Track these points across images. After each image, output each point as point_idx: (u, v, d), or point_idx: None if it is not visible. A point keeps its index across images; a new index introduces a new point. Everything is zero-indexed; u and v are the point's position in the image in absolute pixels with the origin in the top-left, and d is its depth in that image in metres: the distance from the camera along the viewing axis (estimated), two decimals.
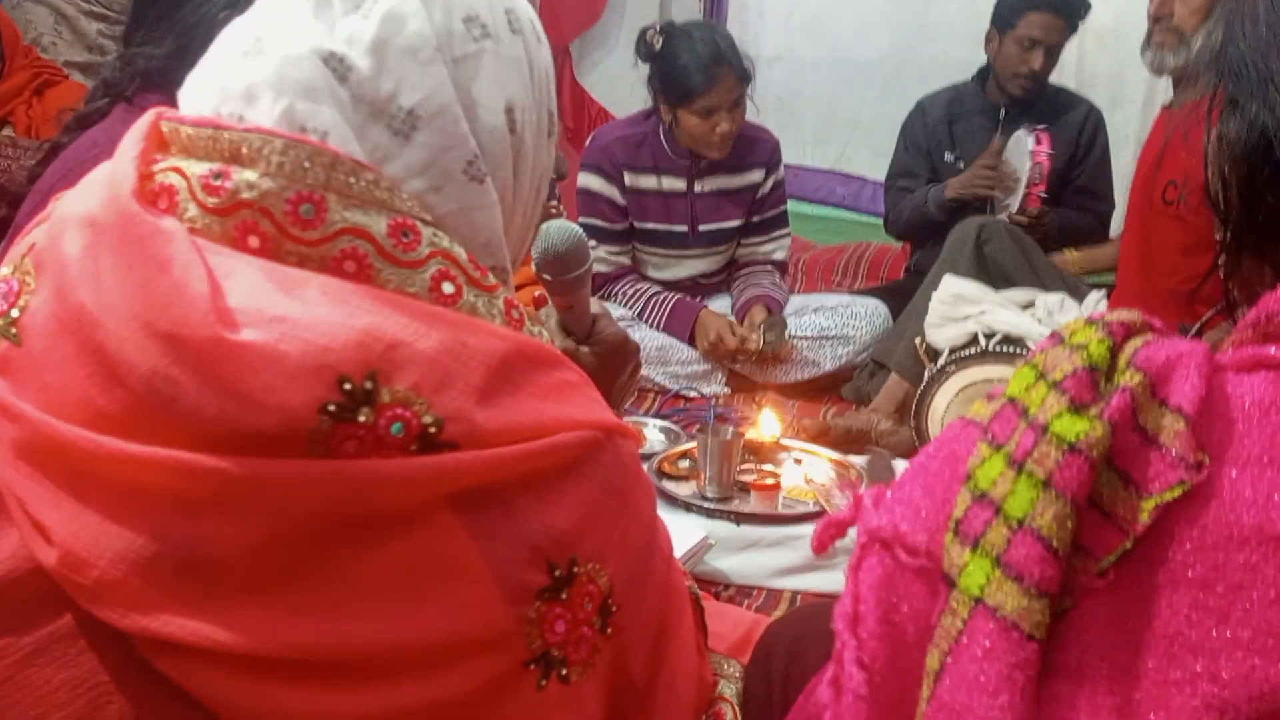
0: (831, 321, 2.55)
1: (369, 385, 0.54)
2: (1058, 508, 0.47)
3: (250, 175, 0.59)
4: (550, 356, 0.64)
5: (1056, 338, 0.52)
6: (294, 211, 0.59)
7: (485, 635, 0.57)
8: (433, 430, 0.55)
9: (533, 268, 1.01)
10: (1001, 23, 2.67)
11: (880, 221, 3.09)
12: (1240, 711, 0.43)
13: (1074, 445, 0.47)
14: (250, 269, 0.58)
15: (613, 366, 0.99)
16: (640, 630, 0.68)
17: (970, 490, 0.50)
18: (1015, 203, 2.57)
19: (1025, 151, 2.54)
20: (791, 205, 4.54)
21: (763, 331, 2.43)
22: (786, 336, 2.47)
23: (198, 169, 0.60)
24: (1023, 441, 0.49)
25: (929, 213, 2.72)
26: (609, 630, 0.63)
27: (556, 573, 0.59)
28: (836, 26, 4.54)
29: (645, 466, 1.86)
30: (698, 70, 2.34)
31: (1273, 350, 0.47)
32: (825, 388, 2.56)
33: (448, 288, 0.63)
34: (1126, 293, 2.15)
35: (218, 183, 0.59)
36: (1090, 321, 0.52)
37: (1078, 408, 0.48)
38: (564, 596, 0.59)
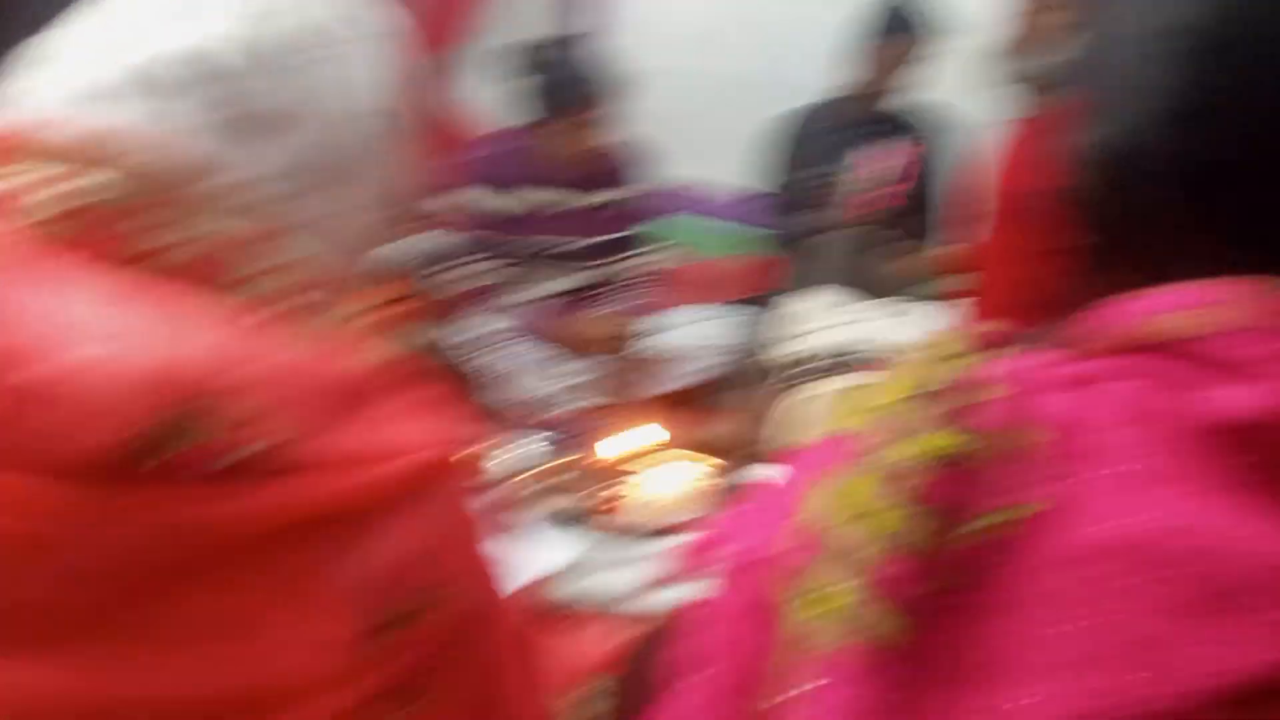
0: (705, 332, 2.59)
1: (201, 409, 0.50)
2: (929, 523, 0.47)
3: (98, 178, 0.55)
4: (402, 375, 0.62)
5: (922, 350, 0.53)
6: (139, 217, 0.55)
7: (327, 673, 0.53)
8: (269, 457, 0.52)
9: (405, 283, 0.97)
10: (863, 42, 2.77)
11: (758, 233, 3.13)
12: None
13: (938, 460, 0.47)
14: (85, 279, 0.53)
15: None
16: (489, 656, 0.65)
17: (835, 508, 0.50)
18: (878, 205, 2.66)
19: (891, 161, 2.64)
20: (674, 220, 4.60)
21: (631, 339, 2.45)
22: (655, 349, 2.49)
23: (40, 172, 0.56)
24: (888, 457, 0.49)
25: (805, 228, 2.78)
26: (457, 660, 0.61)
27: (402, 604, 0.56)
28: (715, 44, 4.60)
29: (520, 482, 1.83)
30: (577, 85, 2.34)
31: (1124, 361, 0.48)
32: (702, 397, 2.58)
33: (294, 302, 0.61)
34: (987, 300, 2.23)
35: (62, 186, 0.55)
36: (956, 334, 0.52)
37: (942, 423, 0.48)
38: (414, 625, 0.56)
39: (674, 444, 2.07)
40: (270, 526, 0.52)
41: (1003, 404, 0.47)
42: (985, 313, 1.96)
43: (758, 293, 3.17)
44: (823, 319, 2.08)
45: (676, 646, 0.55)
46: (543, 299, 2.60)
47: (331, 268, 0.66)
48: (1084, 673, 0.43)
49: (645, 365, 2.51)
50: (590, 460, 1.74)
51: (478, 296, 2.55)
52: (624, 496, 1.75)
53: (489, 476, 0.69)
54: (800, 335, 2.11)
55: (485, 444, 2.06)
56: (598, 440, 2.05)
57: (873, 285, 2.31)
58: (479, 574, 0.63)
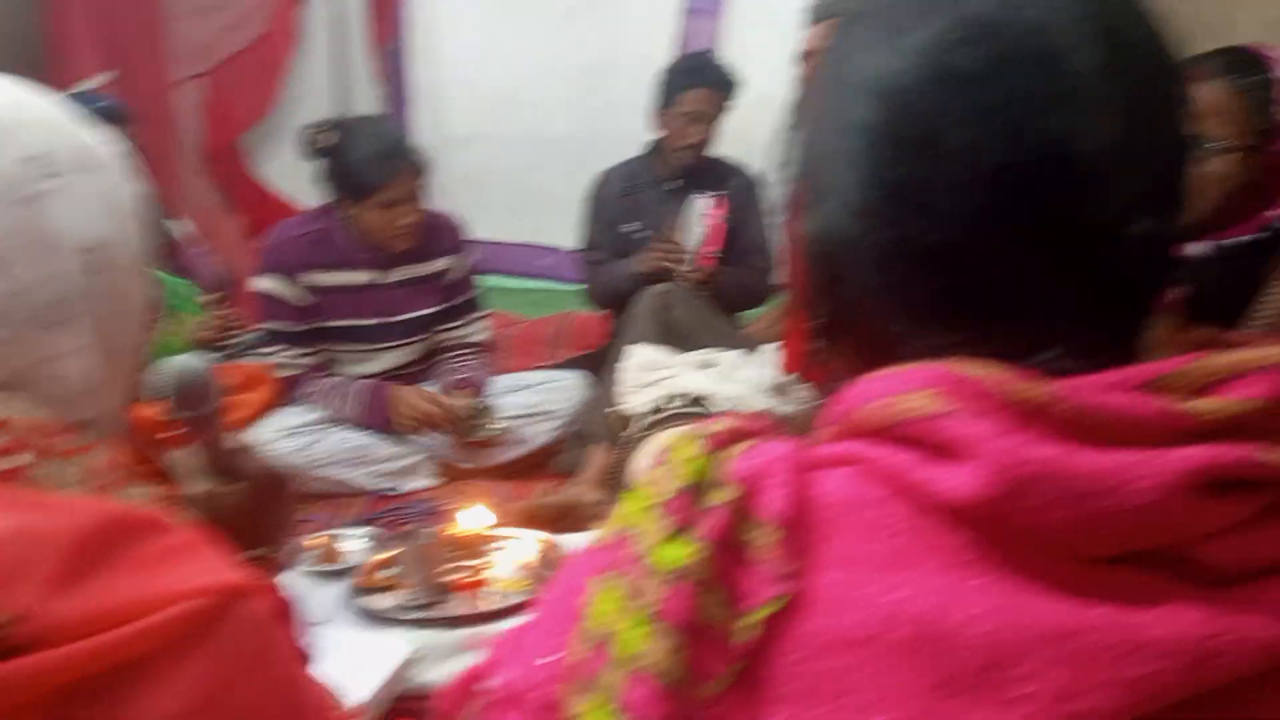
0: (532, 399, 2.56)
1: None
2: (667, 641, 0.45)
3: None
4: (148, 522, 0.57)
5: (663, 457, 0.52)
6: None
7: None
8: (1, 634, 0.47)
9: (166, 411, 0.92)
10: (664, 100, 2.83)
11: (577, 292, 3.15)
12: None
13: (675, 573, 0.46)
14: None
15: (263, 501, 0.92)
16: None
17: (585, 632, 0.48)
18: (688, 263, 2.70)
19: (699, 215, 2.69)
20: (493, 280, 4.57)
21: (468, 418, 2.40)
22: (493, 418, 2.45)
23: None
24: (630, 574, 0.47)
25: (620, 287, 2.81)
26: None
27: None
28: (522, 108, 4.64)
29: (343, 583, 1.75)
30: (375, 165, 2.29)
31: (854, 445, 0.49)
32: (537, 465, 2.56)
33: (8, 462, 0.56)
34: (793, 359, 2.27)
35: None
36: (691, 435, 0.51)
37: (677, 532, 0.47)
38: None
39: (518, 514, 2.03)
40: (13, 705, 0.48)
41: (733, 505, 0.47)
42: (795, 357, 2.00)
43: (582, 352, 3.18)
44: (668, 370, 2.09)
45: None
46: (357, 380, 2.52)
47: (64, 412, 0.62)
48: None
49: (476, 439, 2.46)
50: (427, 545, 1.68)
51: (291, 387, 2.46)
52: (471, 577, 1.70)
53: (277, 607, 0.65)
54: (648, 385, 2.12)
55: (269, 576, 1.96)
56: (425, 527, 1.99)
57: (692, 339, 2.35)
58: (275, 715, 0.59)
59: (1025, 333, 0.48)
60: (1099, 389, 0.44)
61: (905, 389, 0.46)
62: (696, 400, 2.02)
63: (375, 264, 2.46)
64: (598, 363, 2.67)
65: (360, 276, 2.46)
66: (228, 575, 0.60)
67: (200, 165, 3.87)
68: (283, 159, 4.04)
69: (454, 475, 2.48)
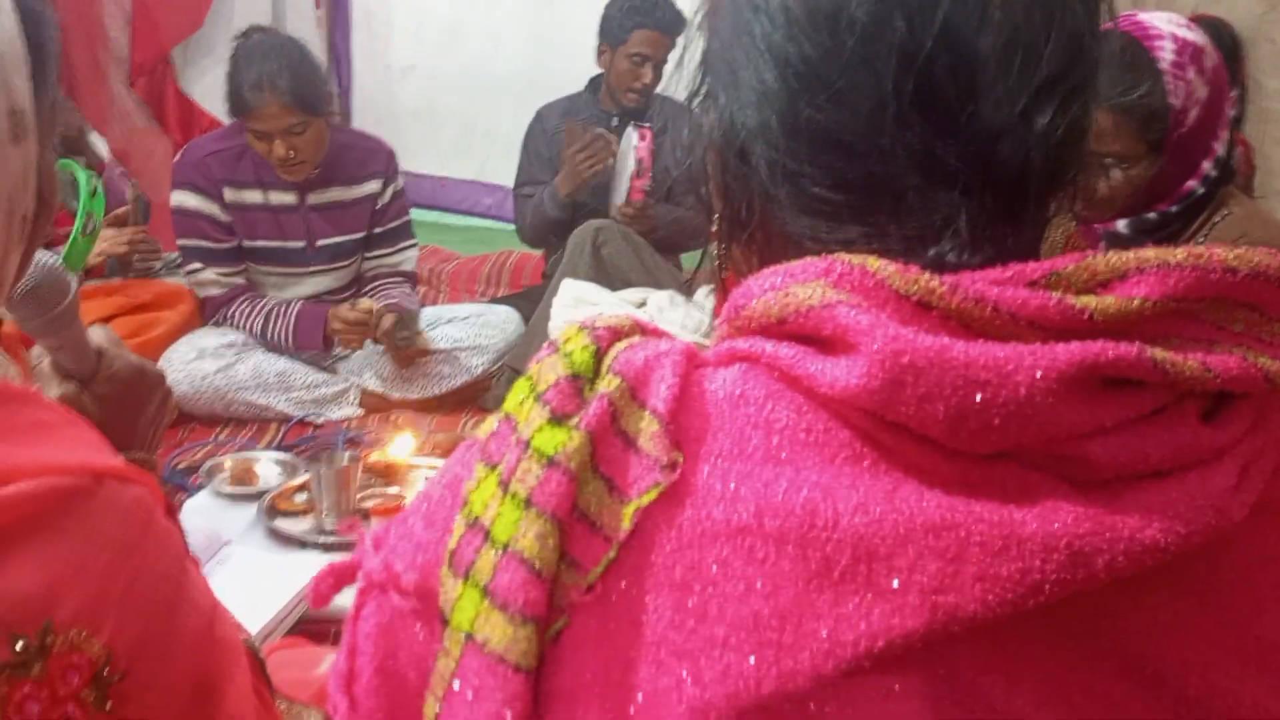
0: (465, 332, 2.53)
1: None
2: (539, 526, 0.44)
3: None
4: (20, 394, 0.55)
5: (553, 346, 0.50)
6: None
7: None
8: None
9: (15, 309, 0.87)
10: (611, 38, 2.77)
11: (512, 228, 3.11)
12: (721, 712, 0.42)
13: (553, 459, 0.45)
14: None
15: (131, 403, 0.88)
16: (165, 696, 0.59)
17: (465, 517, 0.47)
18: (621, 197, 2.66)
19: (630, 148, 2.65)
20: (436, 216, 4.50)
21: (395, 329, 2.35)
22: (421, 333, 2.41)
23: None
24: (509, 459, 0.46)
25: (548, 212, 2.76)
26: (109, 704, 0.54)
27: (20, 645, 0.50)
28: (468, 41, 4.53)
29: (258, 505, 1.72)
30: (246, 91, 2.21)
31: (742, 343, 0.48)
32: (465, 399, 2.53)
33: None
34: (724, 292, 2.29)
35: None
36: (582, 327, 0.50)
37: (558, 419, 0.46)
38: (35, 672, 0.50)
39: (443, 445, 2.00)
40: None
41: (614, 396, 0.46)
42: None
43: (518, 290, 3.15)
44: (599, 306, 2.07)
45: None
46: (283, 304, 2.45)
47: None
48: (706, 659, 0.42)
49: (416, 347, 2.42)
50: (343, 469, 1.65)
51: (217, 306, 2.39)
52: (389, 504, 1.68)
53: (151, 498, 0.63)
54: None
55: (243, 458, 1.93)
56: (363, 448, 1.96)
57: (625, 277, 2.33)
58: (147, 606, 0.57)
59: (922, 227, 0.47)
60: (990, 283, 0.43)
61: (796, 281, 0.45)
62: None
63: (295, 184, 2.38)
64: (532, 299, 2.64)
65: (284, 196, 2.39)
66: (98, 457, 0.58)
67: (128, 79, 3.71)
68: (214, 76, 3.90)
69: (377, 407, 2.44)
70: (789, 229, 0.50)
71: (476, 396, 2.53)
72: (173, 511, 0.80)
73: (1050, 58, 0.46)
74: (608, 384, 0.46)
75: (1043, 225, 0.50)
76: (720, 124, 0.52)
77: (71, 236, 1.68)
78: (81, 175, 1.78)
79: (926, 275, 0.43)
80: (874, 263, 0.44)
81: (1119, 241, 1.57)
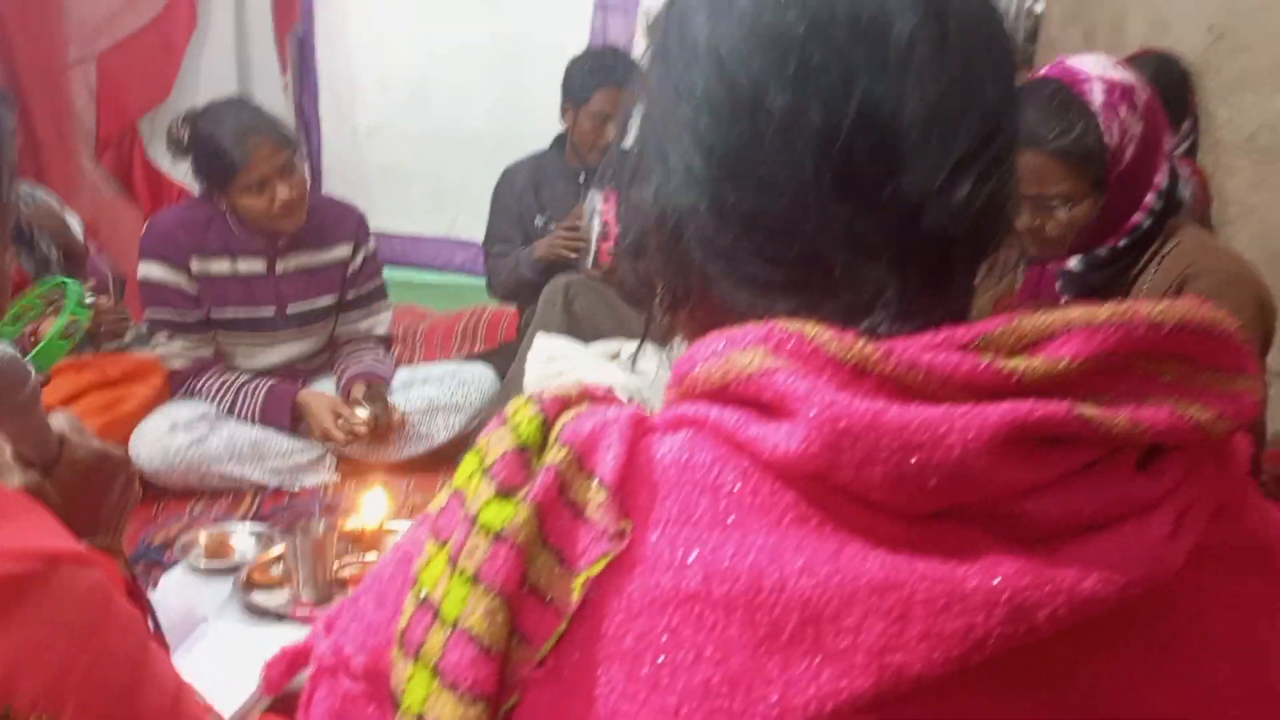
0: (439, 391, 2.52)
1: None
2: (487, 603, 0.44)
3: None
4: None
5: (501, 418, 0.51)
6: None
7: None
8: None
9: None
10: (574, 98, 2.80)
11: (483, 285, 3.12)
12: None
13: (500, 534, 0.45)
14: None
15: (94, 489, 0.88)
16: None
17: (415, 595, 0.47)
18: (589, 260, 2.68)
19: (595, 210, 2.68)
20: (409, 274, 4.51)
21: (367, 404, 2.34)
22: (392, 407, 2.39)
23: None
24: (457, 536, 0.46)
25: (523, 275, 2.78)
26: None
27: None
28: (434, 100, 4.57)
29: (233, 579, 1.70)
30: (232, 146, 2.21)
31: (689, 408, 0.49)
32: (444, 460, 2.52)
33: None
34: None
35: None
36: (530, 398, 0.51)
37: (505, 493, 0.46)
38: None
39: (410, 514, 1.99)
40: None
41: (562, 467, 0.46)
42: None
43: (492, 347, 3.15)
44: (572, 360, 2.07)
45: None
46: (264, 373, 2.44)
47: None
48: None
49: (385, 424, 2.40)
50: (318, 540, 1.63)
51: (185, 379, 2.37)
52: (352, 578, 1.66)
53: (108, 581, 0.63)
54: (554, 376, 2.10)
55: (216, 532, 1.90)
56: (340, 515, 1.94)
57: (597, 330, 2.34)
58: (107, 689, 0.58)
59: (854, 300, 0.48)
60: (922, 347, 0.44)
61: (737, 347, 0.46)
62: (626, 389, 2.01)
63: (265, 252, 2.38)
64: (508, 356, 2.65)
65: (253, 264, 2.38)
66: (54, 542, 0.58)
67: (95, 151, 3.72)
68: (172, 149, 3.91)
69: (354, 471, 2.42)
70: (727, 301, 0.51)
71: (455, 455, 2.52)
72: (135, 593, 0.80)
73: (966, 133, 0.48)
74: (555, 454, 0.47)
75: (970, 290, 0.51)
76: (654, 203, 0.53)
77: (48, 336, 1.68)
78: (76, 286, 1.81)
79: (862, 341, 0.44)
80: (811, 329, 0.45)
81: (1073, 279, 1.59)
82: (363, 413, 2.34)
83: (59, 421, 0.87)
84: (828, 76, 0.47)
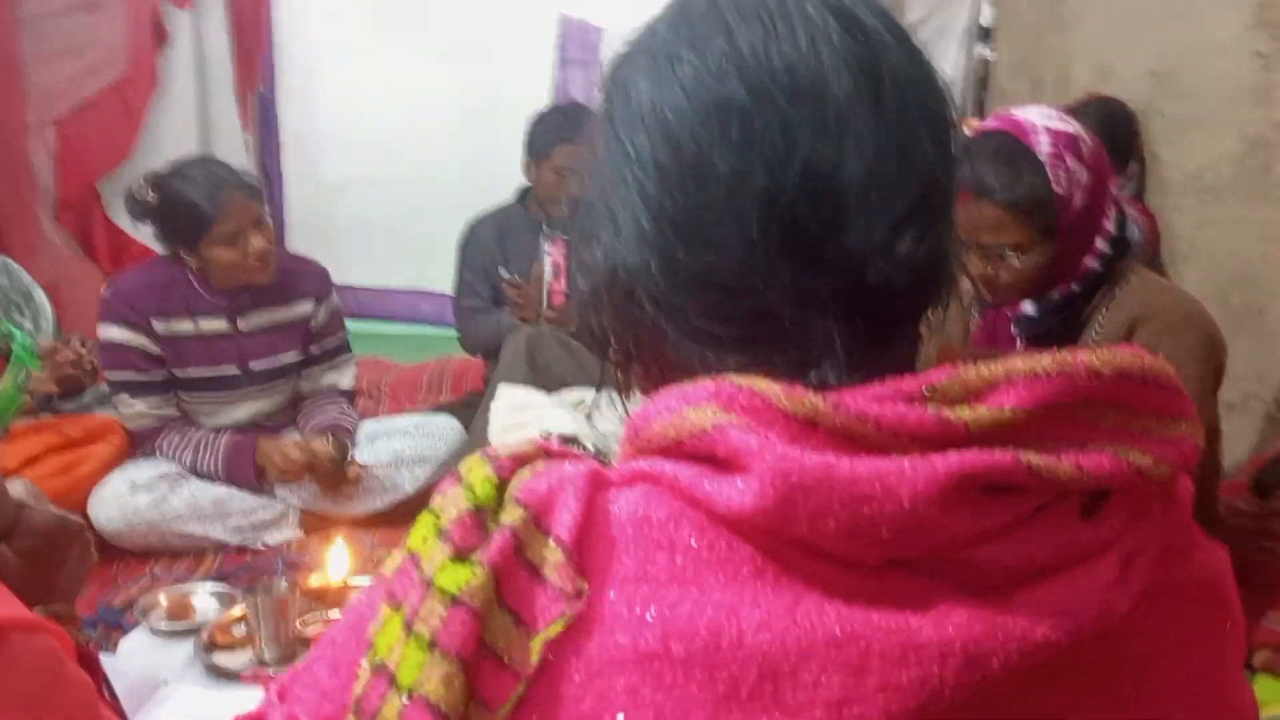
0: (405, 444, 2.50)
1: None
2: (444, 668, 0.44)
3: None
4: None
5: (455, 478, 0.51)
6: None
7: None
8: None
9: None
10: (536, 153, 2.82)
11: (450, 336, 3.11)
12: None
13: (456, 598, 0.45)
14: None
15: (51, 556, 0.87)
16: None
17: (370, 661, 0.47)
18: (543, 302, 2.70)
19: (545, 253, 2.70)
20: (376, 326, 4.48)
21: (329, 454, 2.32)
22: (350, 460, 2.37)
23: None
24: (412, 599, 0.46)
25: (502, 334, 2.77)
26: None
27: None
28: (400, 154, 4.58)
29: (194, 640, 1.67)
30: (205, 200, 2.21)
31: (645, 463, 0.49)
32: (410, 513, 2.48)
33: None
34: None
35: None
36: (484, 458, 0.51)
37: (460, 555, 0.46)
38: None
39: (374, 569, 1.96)
40: None
41: (518, 528, 0.46)
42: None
43: (458, 398, 3.13)
44: (536, 410, 2.07)
45: None
46: (217, 434, 2.41)
47: None
48: None
49: (346, 471, 2.37)
50: (280, 599, 1.61)
51: (146, 439, 2.34)
52: (316, 636, 1.63)
53: (58, 648, 0.62)
54: (518, 426, 2.09)
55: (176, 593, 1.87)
56: (279, 580, 1.91)
57: (561, 379, 2.34)
58: None
59: (803, 353, 0.49)
60: (870, 400, 0.45)
61: (690, 404, 0.46)
62: (564, 440, 2.01)
63: (227, 310, 2.36)
64: (474, 407, 2.63)
65: (215, 323, 2.36)
66: (3, 610, 0.57)
67: (55, 213, 3.69)
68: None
69: (319, 527, 2.39)
70: (679, 356, 0.52)
71: (421, 508, 2.50)
72: (87, 659, 0.78)
73: (905, 190, 0.49)
74: (511, 514, 0.47)
75: (915, 341, 0.52)
76: (605, 262, 0.53)
77: (2, 389, 1.66)
78: (23, 336, 1.79)
79: (812, 394, 0.44)
80: (762, 384, 0.46)
81: (1029, 323, 1.62)
82: (322, 446, 2.32)
83: (16, 488, 0.87)
84: (770, 140, 0.48)
